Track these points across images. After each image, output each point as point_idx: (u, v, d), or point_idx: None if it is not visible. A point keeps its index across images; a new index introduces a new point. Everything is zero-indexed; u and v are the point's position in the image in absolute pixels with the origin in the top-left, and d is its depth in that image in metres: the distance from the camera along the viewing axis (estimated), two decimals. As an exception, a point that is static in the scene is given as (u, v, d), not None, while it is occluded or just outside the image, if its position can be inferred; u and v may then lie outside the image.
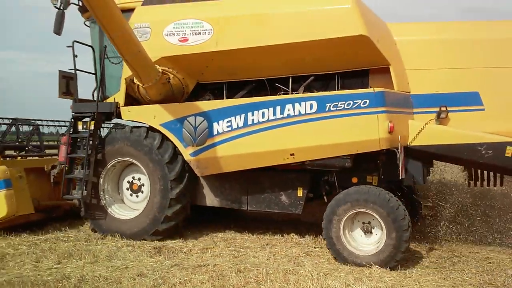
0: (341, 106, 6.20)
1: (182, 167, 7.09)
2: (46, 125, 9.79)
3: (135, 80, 7.02)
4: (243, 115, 6.66)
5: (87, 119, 7.51)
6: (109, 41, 6.45)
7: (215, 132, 6.82)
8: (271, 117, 6.51)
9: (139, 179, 7.51)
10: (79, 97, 7.84)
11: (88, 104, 7.62)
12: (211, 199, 7.50)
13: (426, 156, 6.57)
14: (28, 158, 8.92)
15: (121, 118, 7.56)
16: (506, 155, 6.10)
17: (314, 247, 6.97)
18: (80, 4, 7.17)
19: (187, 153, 7.01)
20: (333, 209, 6.24)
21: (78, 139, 7.56)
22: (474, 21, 7.08)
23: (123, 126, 8.22)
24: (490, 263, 6.29)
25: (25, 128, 9.58)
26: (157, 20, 7.08)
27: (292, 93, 6.91)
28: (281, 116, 6.47)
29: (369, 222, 6.23)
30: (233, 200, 7.37)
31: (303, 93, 6.79)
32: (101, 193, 7.48)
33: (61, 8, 7.20)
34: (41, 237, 7.20)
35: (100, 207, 7.46)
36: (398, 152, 6.06)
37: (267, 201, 7.18)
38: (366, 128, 6.11)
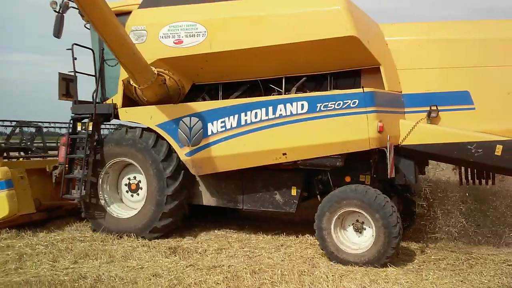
0: (331, 106, 6.29)
1: (177, 165, 7.23)
2: (49, 126, 9.97)
3: (132, 82, 7.16)
4: (236, 116, 6.78)
5: (86, 120, 7.67)
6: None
7: (209, 133, 6.94)
8: (264, 117, 6.62)
9: (136, 178, 7.67)
10: (81, 99, 8.02)
11: (87, 105, 7.79)
12: (207, 199, 7.63)
13: (417, 155, 6.63)
14: (31, 159, 9.12)
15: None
16: (496, 153, 6.15)
17: None
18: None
19: (182, 153, 7.14)
20: (324, 208, 6.35)
21: (77, 140, 7.72)
22: (464, 20, 7.15)
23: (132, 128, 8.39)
24: (509, 265, 6.13)
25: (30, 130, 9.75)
26: (153, 23, 7.22)
27: (285, 94, 7.02)
28: (273, 116, 6.58)
29: (361, 221, 6.31)
30: (229, 199, 7.49)
31: (295, 93, 6.89)
32: (100, 192, 7.64)
33: (60, 11, 7.41)
34: (58, 237, 7.28)
35: (99, 206, 7.62)
36: (387, 152, 6.12)
37: (262, 200, 7.29)
38: (356, 127, 6.20)
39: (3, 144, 8.88)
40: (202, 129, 6.97)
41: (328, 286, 5.23)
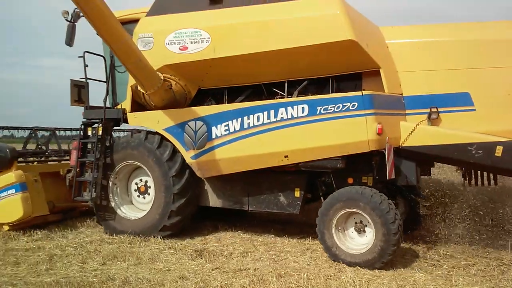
0: (331, 109, 6.41)
1: (182, 164, 7.42)
2: (61, 129, 10.29)
3: (139, 88, 7.39)
4: (239, 119, 6.93)
5: (96, 125, 7.94)
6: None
7: (213, 136, 7.12)
8: (266, 121, 6.77)
9: (144, 180, 7.89)
10: (94, 104, 8.29)
11: (97, 110, 8.04)
12: (214, 200, 7.80)
13: (418, 156, 6.68)
14: (48, 163, 9.44)
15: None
16: (496, 154, 6.16)
17: None
18: None
19: (188, 156, 7.33)
20: (326, 208, 6.44)
21: (88, 144, 7.99)
22: (464, 22, 7.15)
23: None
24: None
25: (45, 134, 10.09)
26: (159, 30, 7.43)
27: (288, 97, 7.15)
28: (275, 119, 6.72)
29: (361, 222, 6.39)
30: (234, 201, 7.64)
31: (297, 97, 7.02)
32: (111, 195, 7.88)
33: (72, 21, 7.71)
34: (86, 239, 7.43)
35: (110, 208, 7.85)
36: (386, 153, 6.20)
37: (267, 202, 7.42)
38: (355, 130, 6.29)
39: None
40: (206, 133, 7.15)
41: (354, 291, 5.15)
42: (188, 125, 7.28)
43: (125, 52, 6.58)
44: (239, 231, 8.09)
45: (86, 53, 7.95)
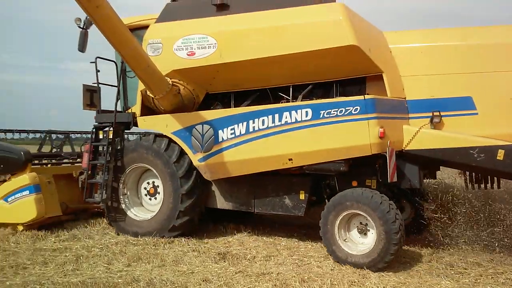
0: (334, 113, 6.52)
1: (189, 165, 7.60)
2: (76, 133, 10.60)
3: (148, 92, 7.59)
4: (245, 123, 7.08)
5: (107, 128, 8.16)
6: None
7: (220, 139, 7.28)
8: (270, 124, 6.91)
9: (153, 183, 8.09)
10: (106, 108, 8.52)
11: (108, 114, 8.27)
12: (221, 202, 7.96)
13: (421, 160, 6.75)
14: (62, 165, 9.72)
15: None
16: (498, 158, 6.20)
17: None
18: None
19: (195, 159, 7.51)
20: (329, 210, 6.58)
21: (100, 147, 8.21)
22: (466, 27, 7.20)
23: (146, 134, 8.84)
24: None
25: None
26: (168, 36, 7.62)
27: (292, 101, 7.29)
28: (279, 123, 6.85)
29: (365, 224, 6.50)
30: (241, 203, 7.79)
31: (301, 101, 7.16)
32: (121, 197, 8.09)
33: (84, 27, 7.96)
34: (112, 240, 7.57)
35: (120, 210, 8.07)
36: (387, 157, 6.28)
37: (272, 204, 7.55)
38: (357, 133, 6.40)
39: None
40: (213, 136, 7.31)
41: (379, 298, 5.14)
42: (196, 128, 7.46)
43: (134, 58, 6.77)
44: (262, 234, 8.13)
45: (98, 59, 8.20)
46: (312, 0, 6.90)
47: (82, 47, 8.08)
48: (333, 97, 7.15)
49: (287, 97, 7.43)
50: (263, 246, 7.46)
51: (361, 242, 6.54)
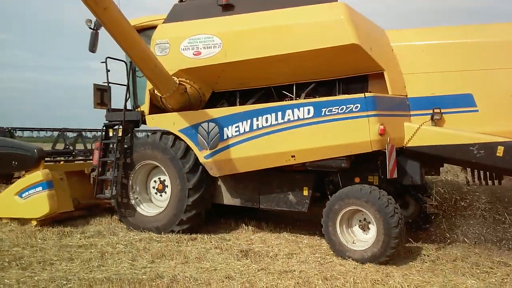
0: (335, 111, 6.65)
1: (195, 161, 7.79)
2: (88, 131, 10.90)
3: (156, 91, 7.80)
4: (249, 121, 7.25)
5: (117, 127, 8.40)
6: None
7: (225, 137, 7.45)
8: (273, 122, 7.06)
9: (161, 179, 8.30)
10: (116, 107, 8.76)
11: (118, 113, 8.48)
12: (228, 198, 8.15)
13: (422, 156, 6.85)
14: (74, 162, 10.02)
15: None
16: (497, 154, 6.28)
17: (404, 258, 6.69)
18: None
19: (201, 156, 7.69)
20: (330, 206, 6.72)
21: (110, 145, 8.46)
22: (467, 25, 7.26)
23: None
24: None
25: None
26: (175, 37, 7.82)
27: (296, 99, 7.43)
28: (282, 121, 6.99)
29: (366, 220, 6.62)
30: (247, 199, 7.97)
31: (303, 99, 7.30)
32: (131, 193, 8.33)
33: (95, 28, 8.20)
34: (136, 237, 7.66)
35: (130, 205, 8.30)
36: (387, 153, 6.39)
37: (277, 200, 7.71)
38: (358, 130, 6.52)
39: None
40: (218, 134, 7.49)
41: (402, 297, 5.10)
42: (202, 126, 7.64)
43: (142, 59, 6.96)
44: (284, 232, 8.17)
45: (108, 59, 8.42)
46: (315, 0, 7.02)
47: (92, 47, 8.33)
48: (336, 95, 7.27)
49: (290, 95, 7.58)
50: (285, 243, 7.50)
51: (362, 238, 6.66)
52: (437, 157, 6.90)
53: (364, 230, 6.68)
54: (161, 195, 8.38)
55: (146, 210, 8.32)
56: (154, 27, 8.25)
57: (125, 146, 8.27)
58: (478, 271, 6.04)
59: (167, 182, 8.15)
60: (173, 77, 7.53)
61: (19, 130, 9.84)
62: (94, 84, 8.76)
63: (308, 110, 6.83)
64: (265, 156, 7.19)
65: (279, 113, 7.03)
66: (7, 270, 5.98)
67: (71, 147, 10.18)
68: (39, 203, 8.15)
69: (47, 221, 8.30)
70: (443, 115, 6.77)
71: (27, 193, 8.26)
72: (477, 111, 6.63)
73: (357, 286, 5.43)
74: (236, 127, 7.37)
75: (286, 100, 7.51)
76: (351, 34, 6.54)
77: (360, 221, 6.69)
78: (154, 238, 7.63)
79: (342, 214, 6.61)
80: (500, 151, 6.25)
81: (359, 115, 6.51)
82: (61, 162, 9.69)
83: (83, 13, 6.41)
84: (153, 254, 6.68)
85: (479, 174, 7.29)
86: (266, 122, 7.12)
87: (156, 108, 8.33)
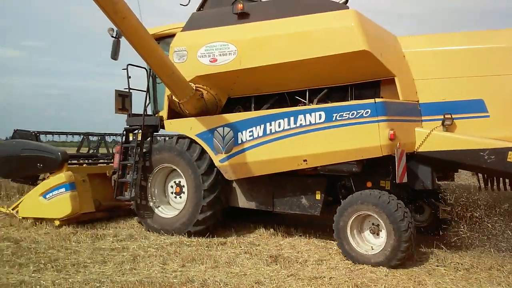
0: (346, 116, 6.77)
1: (209, 164, 8.02)
2: (111, 135, 11.25)
3: (173, 97, 8.06)
4: (262, 126, 7.43)
5: (136, 131, 8.70)
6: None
7: (239, 141, 7.65)
8: (286, 127, 7.22)
9: (178, 182, 8.54)
10: (138, 112, 9.05)
11: (138, 118, 8.77)
12: (243, 201, 8.34)
13: (433, 161, 6.90)
14: (97, 165, 10.37)
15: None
16: (508, 160, 6.28)
17: (437, 266, 6.55)
18: None
19: (217, 159, 7.91)
20: (341, 211, 6.82)
21: (129, 149, 8.75)
22: (478, 31, 7.29)
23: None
24: None
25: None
26: (192, 44, 8.09)
27: (309, 105, 7.59)
28: (295, 125, 7.15)
29: (377, 225, 6.69)
30: (261, 202, 8.14)
31: (316, 104, 7.44)
32: (149, 195, 8.60)
33: (117, 37, 8.53)
34: (167, 241, 7.78)
35: (149, 207, 8.57)
36: (396, 158, 6.47)
37: (290, 204, 7.86)
38: (368, 135, 6.61)
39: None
40: (233, 138, 7.69)
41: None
42: (217, 131, 7.86)
43: (159, 66, 7.23)
44: (313, 238, 8.13)
45: (129, 66, 8.73)
46: (327, 7, 7.18)
47: (114, 55, 8.66)
48: (349, 101, 7.39)
49: (304, 100, 7.74)
50: (314, 249, 7.46)
51: (374, 242, 6.74)
52: (448, 162, 6.93)
53: (375, 235, 6.74)
54: (179, 197, 8.61)
55: (164, 212, 8.58)
56: (173, 35, 8.54)
57: (144, 150, 8.55)
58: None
59: (184, 185, 8.39)
60: (190, 83, 7.78)
61: (42, 134, 10.22)
62: (116, 90, 9.07)
63: (320, 115, 6.97)
64: (278, 160, 7.35)
65: (291, 118, 7.19)
66: (43, 271, 6.16)
67: (95, 151, 10.55)
68: (62, 204, 8.51)
69: (70, 221, 8.64)
70: (454, 120, 6.82)
71: (51, 194, 8.65)
72: (488, 116, 6.66)
73: (388, 294, 5.36)
74: (250, 131, 7.55)
75: (299, 106, 7.67)
76: (361, 40, 6.67)
77: (371, 225, 6.77)
78: (184, 242, 7.73)
79: (353, 219, 6.71)
80: (511, 156, 6.26)
81: (369, 120, 6.61)
82: (84, 165, 10.04)
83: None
84: (184, 258, 6.77)
85: (492, 180, 7.27)
86: (279, 127, 7.28)
87: (175, 113, 8.60)
